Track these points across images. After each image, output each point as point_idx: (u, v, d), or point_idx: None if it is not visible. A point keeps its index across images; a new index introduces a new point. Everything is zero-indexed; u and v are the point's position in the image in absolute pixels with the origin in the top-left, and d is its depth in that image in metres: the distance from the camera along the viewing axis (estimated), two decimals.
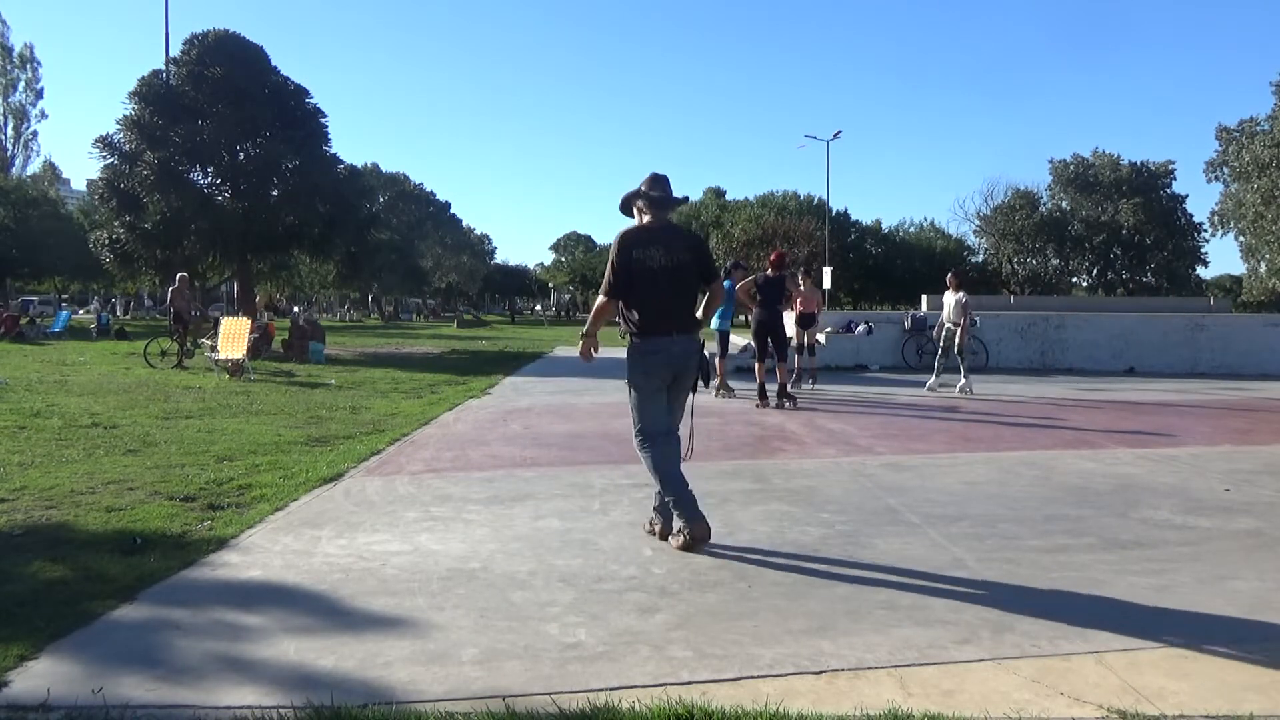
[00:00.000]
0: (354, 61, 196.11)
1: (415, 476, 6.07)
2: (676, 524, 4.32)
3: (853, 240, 59.86)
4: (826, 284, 34.01)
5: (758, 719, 2.54)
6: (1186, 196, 56.52)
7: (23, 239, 45.66)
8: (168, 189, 22.83)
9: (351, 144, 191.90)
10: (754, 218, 54.21)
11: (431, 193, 77.54)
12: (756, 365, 10.54)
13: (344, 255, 28.67)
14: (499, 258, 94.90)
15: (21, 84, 57.23)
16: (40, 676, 2.82)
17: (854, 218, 62.84)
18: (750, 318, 10.94)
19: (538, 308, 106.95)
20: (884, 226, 66.70)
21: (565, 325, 49.61)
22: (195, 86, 23.77)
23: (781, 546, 4.37)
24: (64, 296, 65.80)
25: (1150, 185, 55.59)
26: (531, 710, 2.59)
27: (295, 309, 32.95)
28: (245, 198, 23.95)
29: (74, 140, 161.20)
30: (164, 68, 24.52)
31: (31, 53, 57.70)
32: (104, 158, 23.70)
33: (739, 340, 13.81)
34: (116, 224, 24.43)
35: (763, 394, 10.33)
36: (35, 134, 59.40)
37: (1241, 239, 45.43)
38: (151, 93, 23.78)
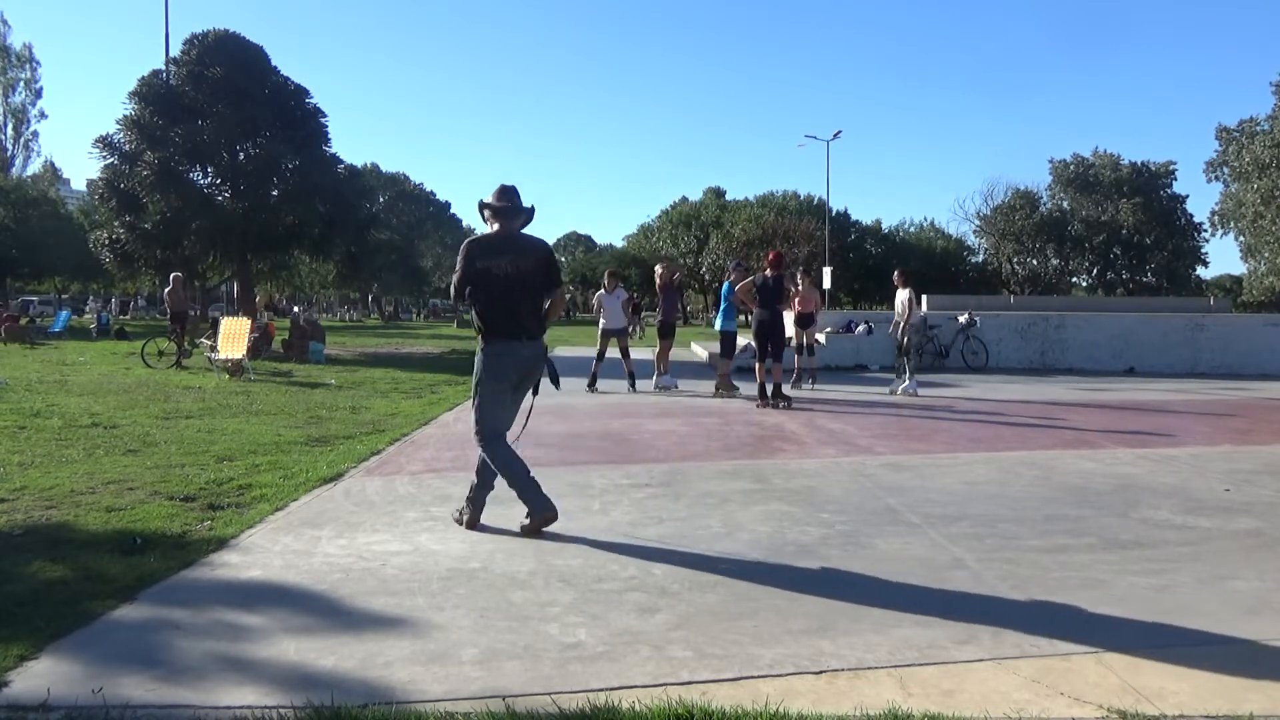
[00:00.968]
0: (354, 61, 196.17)
1: (415, 476, 6.07)
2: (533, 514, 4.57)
3: (853, 240, 59.89)
4: (826, 284, 34.01)
5: (758, 719, 2.54)
6: (1187, 197, 56.64)
7: (23, 239, 45.69)
8: (168, 189, 22.85)
9: (351, 144, 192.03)
10: (754, 218, 54.27)
11: (431, 193, 77.62)
12: (756, 365, 10.56)
13: (344, 255, 28.76)
14: None
15: (21, 84, 57.28)
16: (40, 676, 2.82)
17: (854, 218, 62.93)
18: (750, 318, 10.96)
19: None
20: (884, 226, 66.81)
21: (565, 325, 49.61)
22: (195, 86, 23.80)
23: (782, 546, 4.37)
24: (64, 296, 65.80)
25: (1150, 185, 55.63)
26: (531, 710, 2.59)
27: (295, 309, 32.91)
28: (245, 198, 23.96)
29: (74, 140, 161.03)
30: (164, 68, 24.56)
31: (30, 52, 57.78)
32: (104, 158, 23.73)
33: (740, 340, 13.81)
34: (116, 224, 24.46)
35: (762, 394, 10.35)
36: (35, 134, 59.48)
37: (1241, 239, 45.47)
38: (151, 93, 23.81)
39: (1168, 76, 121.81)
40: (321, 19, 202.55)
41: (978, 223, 60.22)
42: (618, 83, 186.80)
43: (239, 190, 24.24)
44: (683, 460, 6.79)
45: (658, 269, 13.05)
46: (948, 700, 2.68)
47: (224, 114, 23.40)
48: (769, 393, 10.32)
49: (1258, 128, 42.66)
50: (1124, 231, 55.24)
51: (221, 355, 14.11)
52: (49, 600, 3.48)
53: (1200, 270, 59.37)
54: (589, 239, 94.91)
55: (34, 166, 60.75)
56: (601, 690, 2.73)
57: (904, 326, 11.81)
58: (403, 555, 4.19)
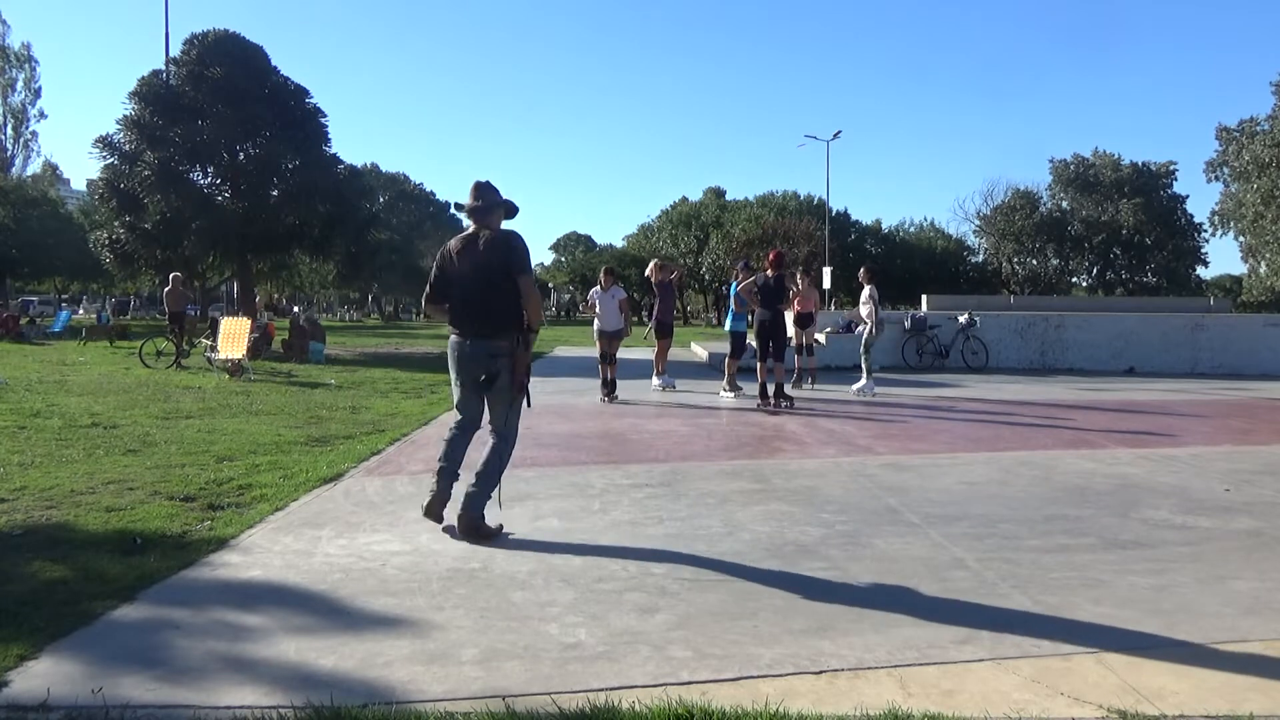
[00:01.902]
0: (354, 61, 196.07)
1: (415, 476, 6.07)
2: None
3: (853, 240, 59.79)
4: (826, 284, 34.03)
5: (758, 719, 2.54)
6: (1187, 197, 56.53)
7: (23, 239, 45.64)
8: (168, 189, 22.86)
9: (351, 144, 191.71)
10: (754, 218, 54.24)
11: (431, 193, 77.60)
12: (758, 365, 10.56)
13: (344, 255, 28.69)
14: None
15: (20, 83, 57.25)
16: (40, 676, 2.82)
17: (854, 218, 62.79)
18: (752, 318, 10.96)
19: None
20: (884, 226, 66.66)
21: (565, 325, 49.63)
22: (195, 86, 23.81)
23: (782, 546, 4.37)
24: (64, 296, 65.81)
25: (1150, 185, 55.57)
26: (531, 710, 2.59)
27: (295, 309, 32.92)
28: (245, 198, 23.98)
29: (74, 140, 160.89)
30: (164, 68, 24.57)
31: (29, 52, 57.74)
32: (104, 158, 23.73)
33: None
34: (116, 224, 24.47)
35: (764, 394, 10.35)
36: (35, 134, 59.44)
37: (1241, 239, 45.44)
38: (151, 93, 23.82)
39: (1168, 76, 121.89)
40: (321, 19, 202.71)
41: (978, 223, 60.21)
42: (618, 82, 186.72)
43: (239, 190, 24.25)
44: (683, 460, 6.79)
45: (650, 267, 12.82)
46: (948, 700, 2.68)
47: (224, 114, 23.40)
48: (771, 393, 10.33)
49: (1258, 128, 42.62)
50: (1124, 231, 55.21)
51: (221, 355, 14.10)
52: (49, 600, 3.49)
53: (1200, 270, 59.32)
54: (589, 239, 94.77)
55: (34, 166, 60.75)
56: (601, 690, 2.73)
57: (869, 325, 11.73)
58: (403, 555, 4.19)
